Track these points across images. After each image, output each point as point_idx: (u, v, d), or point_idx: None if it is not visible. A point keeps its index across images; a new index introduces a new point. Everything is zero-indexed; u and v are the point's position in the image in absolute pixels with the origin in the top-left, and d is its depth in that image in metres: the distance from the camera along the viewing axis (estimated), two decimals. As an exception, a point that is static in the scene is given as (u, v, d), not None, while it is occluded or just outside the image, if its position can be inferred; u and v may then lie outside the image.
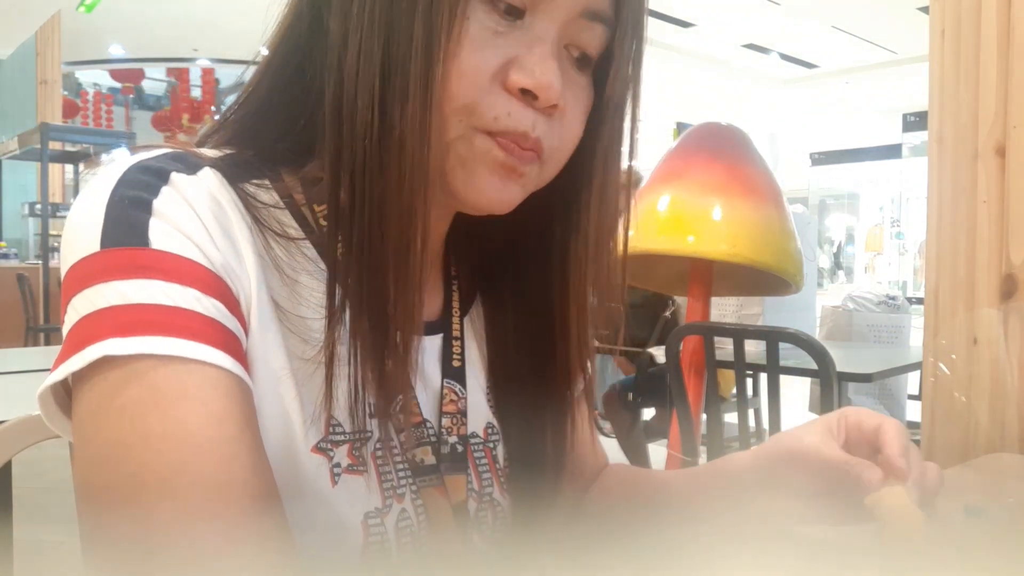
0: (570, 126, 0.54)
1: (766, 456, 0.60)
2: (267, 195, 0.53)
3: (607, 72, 0.55)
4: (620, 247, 0.61)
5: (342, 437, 0.52)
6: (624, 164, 0.59)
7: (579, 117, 0.54)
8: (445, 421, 0.59)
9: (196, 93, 12.28)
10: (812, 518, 0.59)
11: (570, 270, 0.60)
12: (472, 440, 0.61)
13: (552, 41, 0.51)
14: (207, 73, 12.16)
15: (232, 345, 0.46)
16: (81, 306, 0.44)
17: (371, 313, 0.50)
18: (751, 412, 3.35)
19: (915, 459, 0.55)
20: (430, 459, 0.57)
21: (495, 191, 0.52)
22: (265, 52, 0.56)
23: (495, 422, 0.63)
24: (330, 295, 0.50)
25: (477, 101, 0.49)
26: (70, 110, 10.99)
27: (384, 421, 0.53)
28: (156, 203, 0.46)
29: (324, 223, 0.54)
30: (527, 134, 0.51)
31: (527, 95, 0.50)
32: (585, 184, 0.58)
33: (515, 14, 0.50)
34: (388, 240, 0.49)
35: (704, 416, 2.23)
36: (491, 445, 0.62)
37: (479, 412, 0.62)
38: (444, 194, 0.53)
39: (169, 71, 12.93)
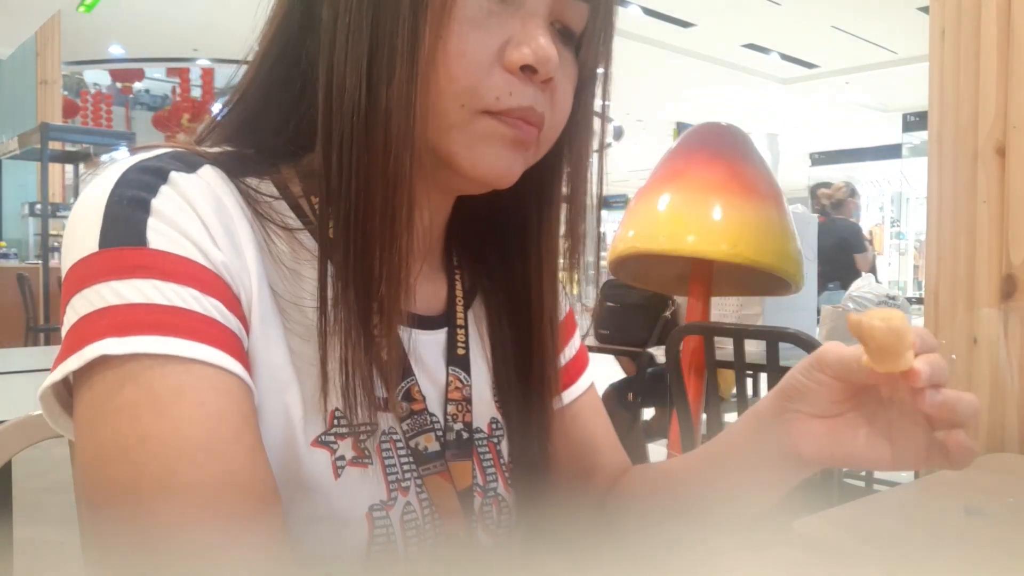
0: (563, 99, 0.55)
1: (769, 401, 0.56)
2: (266, 188, 0.53)
3: (583, 48, 0.57)
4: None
5: (346, 430, 0.52)
6: (596, 142, 0.61)
7: (569, 90, 0.56)
8: (450, 408, 0.59)
9: (196, 93, 12.28)
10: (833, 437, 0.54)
11: (543, 250, 0.61)
12: (476, 434, 0.61)
13: (543, 16, 0.52)
14: (207, 73, 12.15)
15: (231, 344, 0.46)
16: (80, 306, 0.44)
17: (358, 290, 0.50)
18: (751, 412, 3.35)
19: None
20: (434, 446, 0.57)
21: (503, 166, 0.53)
22: (256, 49, 0.57)
23: (499, 417, 0.63)
24: (321, 276, 0.50)
25: (478, 82, 0.50)
26: (70, 110, 10.98)
27: (383, 411, 0.53)
28: (155, 202, 0.46)
29: None
30: (533, 108, 0.52)
31: (526, 70, 0.51)
32: (565, 157, 0.60)
33: None
34: (374, 213, 0.49)
35: (704, 416, 2.23)
36: (495, 440, 0.62)
37: (484, 406, 0.62)
38: (448, 173, 0.53)
39: (169, 71, 12.93)
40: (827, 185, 5.20)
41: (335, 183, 0.49)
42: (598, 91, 0.60)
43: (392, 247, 0.49)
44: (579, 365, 0.72)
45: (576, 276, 0.64)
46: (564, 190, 0.61)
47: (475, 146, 0.52)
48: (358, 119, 0.49)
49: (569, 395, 0.69)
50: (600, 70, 0.59)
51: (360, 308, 0.50)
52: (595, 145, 0.61)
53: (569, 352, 0.71)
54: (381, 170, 0.49)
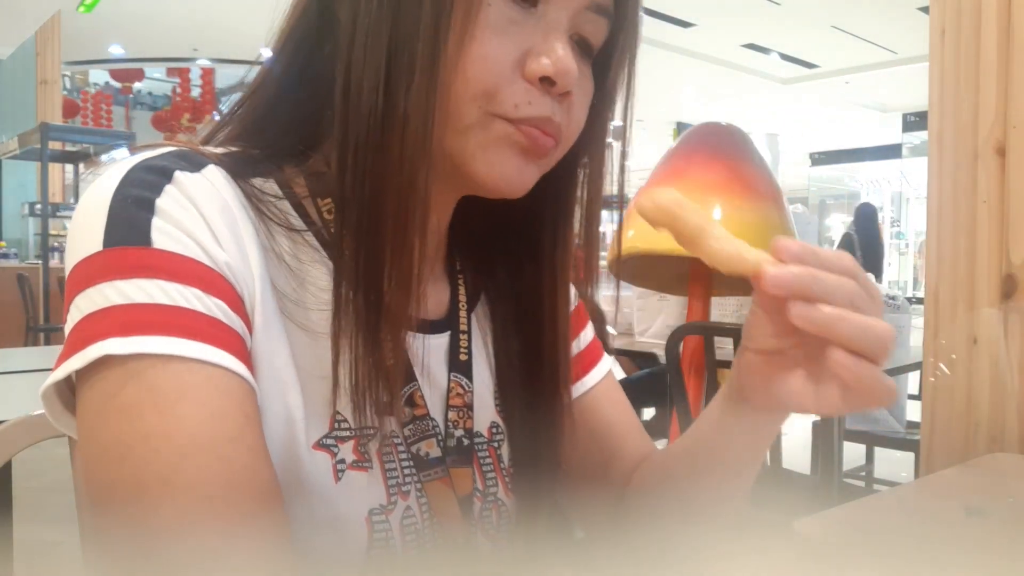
0: (578, 112, 0.55)
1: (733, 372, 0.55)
2: (270, 188, 0.53)
3: (604, 64, 0.57)
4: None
5: (348, 433, 0.52)
6: (619, 158, 0.61)
7: (584, 104, 0.56)
8: (451, 414, 0.59)
9: (196, 93, 12.28)
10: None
11: (558, 259, 0.61)
12: (476, 439, 0.61)
13: (564, 30, 0.52)
14: (207, 73, 12.16)
15: (234, 344, 0.46)
16: (83, 305, 0.44)
17: (368, 294, 0.50)
18: (751, 412, 3.35)
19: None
20: (435, 452, 0.57)
21: (517, 174, 0.53)
22: (268, 52, 0.57)
23: (499, 421, 0.63)
24: (337, 284, 0.50)
25: (498, 89, 0.50)
26: (70, 110, 10.98)
27: (385, 415, 0.53)
28: (159, 202, 0.46)
29: (329, 216, 0.54)
30: (550, 119, 0.52)
31: (545, 82, 0.51)
32: (578, 172, 0.60)
33: (530, 2, 0.51)
34: (387, 217, 0.49)
35: (704, 416, 2.22)
36: (495, 444, 0.62)
37: (484, 410, 0.62)
38: (460, 178, 0.53)
39: (169, 71, 12.94)
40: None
41: (349, 186, 0.49)
42: (619, 105, 0.59)
43: (404, 252, 0.49)
44: (591, 357, 0.72)
45: (591, 288, 0.64)
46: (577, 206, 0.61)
47: (490, 150, 0.52)
48: (374, 122, 0.48)
49: (580, 387, 0.69)
50: (622, 84, 0.58)
51: (369, 312, 0.50)
52: (613, 157, 0.61)
53: (579, 345, 0.71)
54: (396, 175, 0.48)
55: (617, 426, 0.70)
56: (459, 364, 0.61)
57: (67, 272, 0.47)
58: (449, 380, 0.60)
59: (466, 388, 0.61)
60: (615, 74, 0.57)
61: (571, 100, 0.54)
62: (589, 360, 0.71)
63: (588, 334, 0.72)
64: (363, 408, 0.50)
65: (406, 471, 0.55)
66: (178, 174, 0.48)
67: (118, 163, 0.49)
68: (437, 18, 0.48)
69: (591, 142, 0.58)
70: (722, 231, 0.47)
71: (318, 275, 0.53)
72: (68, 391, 0.47)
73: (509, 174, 0.53)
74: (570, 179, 0.59)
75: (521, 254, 0.63)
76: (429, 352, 0.59)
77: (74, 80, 12.51)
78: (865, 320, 0.44)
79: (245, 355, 0.47)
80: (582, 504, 0.72)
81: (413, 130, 0.48)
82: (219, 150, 0.53)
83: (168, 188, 0.47)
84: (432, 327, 0.60)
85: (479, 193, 0.56)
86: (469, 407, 0.60)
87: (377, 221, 0.49)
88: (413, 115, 0.48)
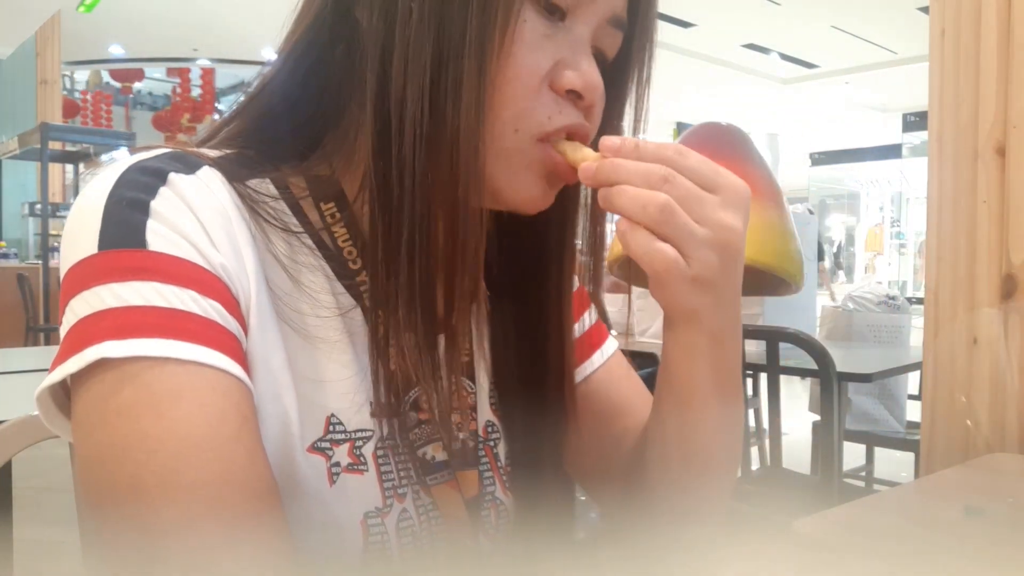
0: (596, 124, 0.56)
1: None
2: (266, 189, 0.53)
3: (617, 72, 0.57)
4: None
5: (343, 436, 0.52)
6: None
7: (600, 114, 0.56)
8: (455, 416, 0.59)
9: (196, 93, 12.28)
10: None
11: (565, 264, 0.61)
12: (477, 440, 0.61)
13: (588, 42, 0.53)
14: (207, 73, 12.16)
15: (230, 346, 0.46)
16: (79, 308, 0.44)
17: (424, 310, 0.50)
18: (751, 412, 3.35)
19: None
20: (441, 455, 0.57)
21: (542, 197, 0.54)
22: (269, 52, 0.57)
23: (495, 420, 0.63)
24: (373, 291, 0.51)
25: (531, 105, 0.51)
26: (70, 110, 10.98)
27: (391, 419, 0.53)
28: (154, 204, 0.46)
29: (331, 220, 0.55)
30: (582, 124, 0.53)
31: (571, 94, 0.52)
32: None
33: (558, 15, 0.52)
34: (437, 235, 0.50)
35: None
36: (492, 443, 0.62)
37: (481, 410, 0.62)
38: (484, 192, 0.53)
39: (169, 71, 12.94)
40: None
41: (396, 201, 0.49)
42: (629, 114, 0.60)
43: (466, 271, 0.50)
44: (593, 340, 0.71)
45: (596, 290, 0.63)
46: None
47: (521, 173, 0.52)
48: (419, 138, 0.48)
49: (588, 368, 0.69)
50: (633, 92, 0.59)
51: (425, 329, 0.51)
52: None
53: (582, 327, 0.70)
54: (446, 196, 0.49)
55: (626, 403, 0.70)
56: (454, 363, 0.61)
57: (62, 275, 0.47)
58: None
59: (469, 390, 0.61)
60: (628, 82, 0.58)
61: (594, 112, 0.54)
62: (591, 342, 0.71)
63: (590, 317, 0.72)
64: (380, 413, 0.52)
65: (403, 474, 0.55)
66: (173, 176, 0.48)
67: (112, 165, 0.49)
68: (483, 34, 0.48)
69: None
70: None
71: (313, 277, 0.53)
72: (63, 394, 0.46)
73: (536, 196, 0.54)
74: (574, 183, 0.59)
75: (523, 254, 0.63)
76: None
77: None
78: (638, 193, 0.49)
79: (241, 357, 0.47)
80: (596, 486, 0.72)
81: (464, 150, 0.48)
82: (214, 152, 0.53)
83: (163, 190, 0.47)
84: None
85: (495, 207, 0.56)
86: (473, 409, 0.60)
87: (433, 240, 0.50)
88: (464, 135, 0.48)
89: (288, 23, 0.56)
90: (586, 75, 0.52)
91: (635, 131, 0.60)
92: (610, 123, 0.58)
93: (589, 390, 0.69)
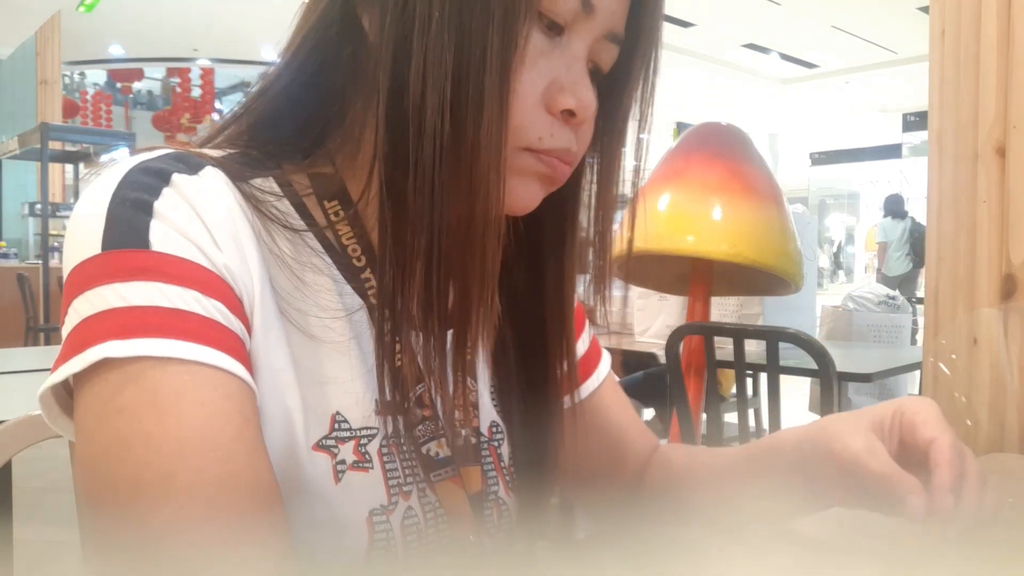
0: (587, 136, 0.56)
1: (810, 446, 0.57)
2: (270, 188, 0.53)
3: (612, 86, 0.57)
4: (622, 246, 0.62)
5: (348, 433, 0.52)
6: (632, 172, 0.61)
7: (592, 129, 0.56)
8: (458, 413, 0.59)
9: (196, 93, 12.28)
10: (849, 505, 0.56)
11: (566, 266, 0.61)
12: (480, 438, 0.61)
13: (583, 59, 0.53)
14: (207, 73, 12.16)
15: (233, 346, 0.46)
16: (82, 308, 0.44)
17: (440, 315, 0.51)
18: (751, 412, 3.35)
19: (970, 489, 0.51)
20: (444, 451, 0.58)
21: (530, 198, 0.54)
22: (270, 52, 0.57)
23: (499, 420, 0.63)
24: (381, 294, 0.51)
25: (527, 122, 0.51)
26: (70, 110, 10.99)
27: (395, 416, 0.53)
28: (157, 204, 0.46)
29: (335, 219, 0.55)
30: (570, 149, 0.54)
31: (565, 113, 0.52)
32: (587, 185, 0.60)
33: (556, 31, 0.52)
34: (461, 248, 0.50)
35: (704, 416, 2.23)
36: (495, 443, 0.62)
37: (484, 409, 0.62)
38: None
39: (169, 71, 12.94)
40: None
41: (414, 211, 0.49)
42: (633, 123, 0.60)
43: (485, 279, 0.50)
44: (594, 358, 0.72)
45: (602, 294, 0.63)
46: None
47: (513, 179, 0.52)
48: (439, 148, 0.48)
49: (587, 388, 0.70)
50: (637, 101, 0.59)
51: (440, 333, 0.52)
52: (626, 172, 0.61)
53: (581, 347, 0.71)
54: (468, 205, 0.49)
55: (623, 425, 0.72)
56: (464, 363, 0.61)
57: (65, 275, 0.47)
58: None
59: (471, 387, 0.61)
60: (631, 93, 0.58)
61: (585, 128, 0.55)
62: (591, 362, 0.72)
63: (588, 335, 0.73)
64: (386, 411, 0.52)
65: (408, 471, 0.55)
66: (176, 176, 0.48)
67: (115, 166, 0.49)
68: (505, 51, 0.48)
69: (603, 159, 0.59)
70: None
71: (318, 277, 0.53)
72: (66, 394, 0.47)
73: (525, 199, 0.54)
74: (577, 185, 0.60)
75: (525, 254, 0.63)
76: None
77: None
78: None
79: (244, 357, 0.47)
80: (592, 501, 0.73)
81: (485, 163, 0.48)
82: (217, 152, 0.53)
83: (166, 191, 0.47)
84: None
85: None
86: (474, 406, 0.61)
87: (449, 247, 0.50)
88: (485, 149, 0.48)
89: (292, 23, 0.56)
90: (580, 96, 0.52)
91: (640, 137, 0.60)
92: (612, 128, 0.58)
93: (590, 409, 0.70)
